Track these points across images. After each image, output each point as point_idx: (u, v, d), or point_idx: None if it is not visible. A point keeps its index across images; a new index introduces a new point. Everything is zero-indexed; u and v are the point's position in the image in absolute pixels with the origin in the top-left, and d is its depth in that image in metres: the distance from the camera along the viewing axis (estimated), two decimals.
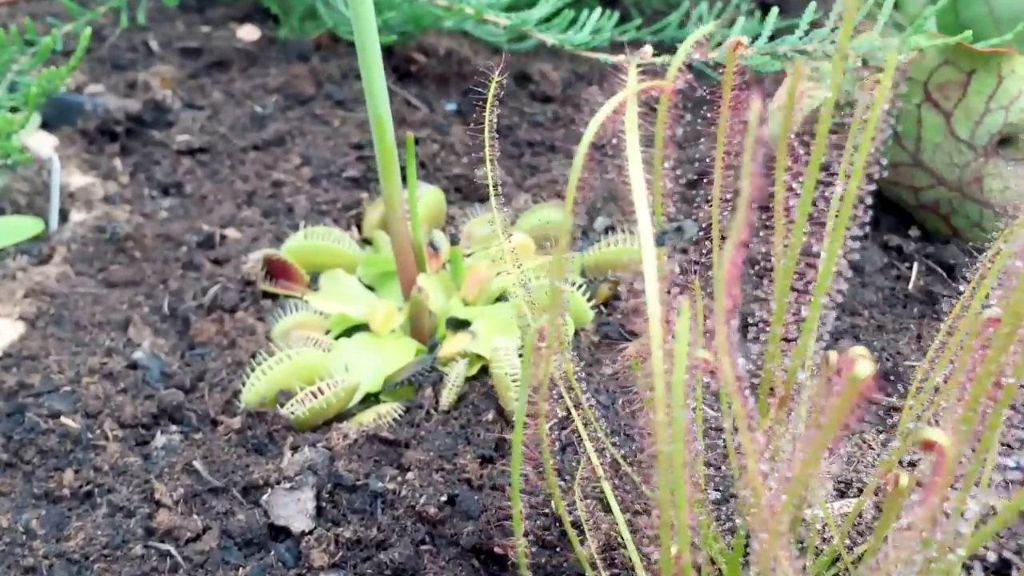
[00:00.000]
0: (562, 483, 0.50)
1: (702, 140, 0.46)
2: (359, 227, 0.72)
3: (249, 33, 0.85)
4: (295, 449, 0.52)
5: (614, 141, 0.81)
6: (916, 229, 0.70)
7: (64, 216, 0.73)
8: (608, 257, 0.65)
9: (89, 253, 0.68)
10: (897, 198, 0.70)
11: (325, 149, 0.76)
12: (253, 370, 0.56)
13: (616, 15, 0.80)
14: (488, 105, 0.49)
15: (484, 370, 0.59)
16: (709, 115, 0.45)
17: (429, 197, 0.70)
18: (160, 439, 0.54)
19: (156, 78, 0.83)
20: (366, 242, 0.71)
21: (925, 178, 0.67)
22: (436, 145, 0.81)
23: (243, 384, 0.56)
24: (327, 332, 0.63)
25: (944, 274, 0.66)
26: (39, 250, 0.69)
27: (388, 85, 0.86)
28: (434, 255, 0.65)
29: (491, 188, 0.53)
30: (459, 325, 0.61)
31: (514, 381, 0.54)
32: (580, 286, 0.63)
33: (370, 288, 0.67)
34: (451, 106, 0.88)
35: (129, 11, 0.81)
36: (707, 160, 0.45)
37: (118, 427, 0.54)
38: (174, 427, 0.55)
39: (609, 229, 0.71)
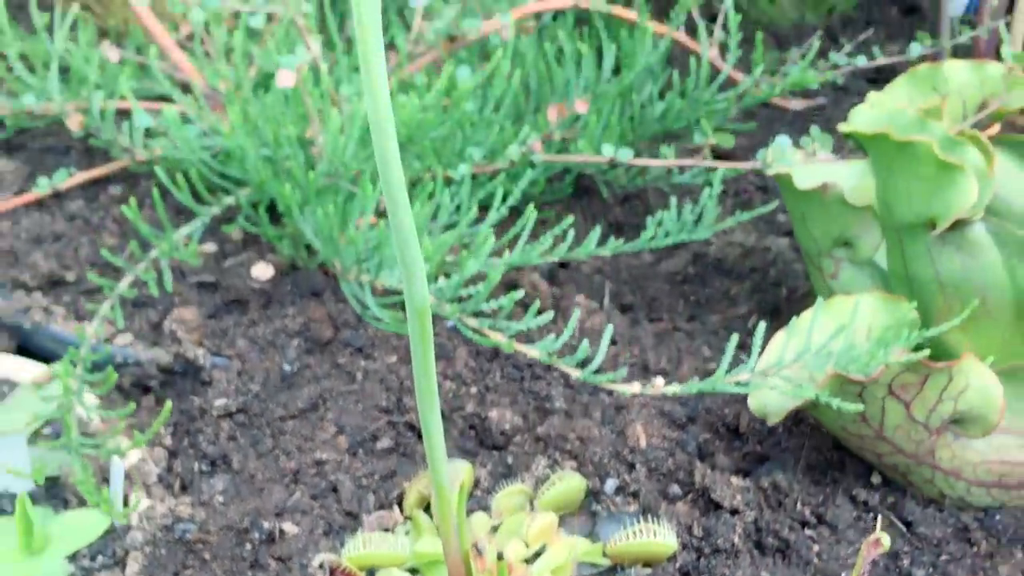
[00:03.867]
0: None
1: None
2: (399, 504, 0.81)
3: (263, 272, 0.92)
4: None
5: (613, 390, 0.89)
6: (878, 476, 0.82)
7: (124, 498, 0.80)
8: (636, 549, 0.75)
9: (162, 557, 0.76)
10: (861, 456, 0.82)
11: (356, 414, 0.84)
12: None
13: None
14: None
15: None
16: None
17: (463, 477, 0.79)
18: None
19: (182, 327, 0.89)
20: (407, 518, 0.80)
21: (887, 447, 0.79)
22: (441, 376, 0.89)
23: None
24: None
25: (904, 529, 0.78)
26: (112, 551, 0.77)
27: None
28: (479, 556, 0.74)
29: None
30: None
31: None
32: None
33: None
34: (450, 322, 0.95)
35: (157, 277, 0.87)
36: None
37: None
38: None
39: (620, 491, 0.81)
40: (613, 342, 0.93)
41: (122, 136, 1.01)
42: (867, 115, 0.85)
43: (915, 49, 1.07)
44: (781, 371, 0.74)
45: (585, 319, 0.94)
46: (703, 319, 0.97)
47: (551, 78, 1.05)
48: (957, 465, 0.78)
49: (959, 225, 0.80)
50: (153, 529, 0.77)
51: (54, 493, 0.80)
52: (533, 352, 0.73)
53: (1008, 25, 1.22)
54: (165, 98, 1.05)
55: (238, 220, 0.94)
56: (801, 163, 0.86)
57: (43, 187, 0.99)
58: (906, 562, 0.75)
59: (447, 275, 0.85)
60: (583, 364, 0.81)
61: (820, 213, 0.87)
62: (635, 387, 0.70)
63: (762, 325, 0.74)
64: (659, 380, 0.70)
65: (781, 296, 0.98)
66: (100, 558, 0.76)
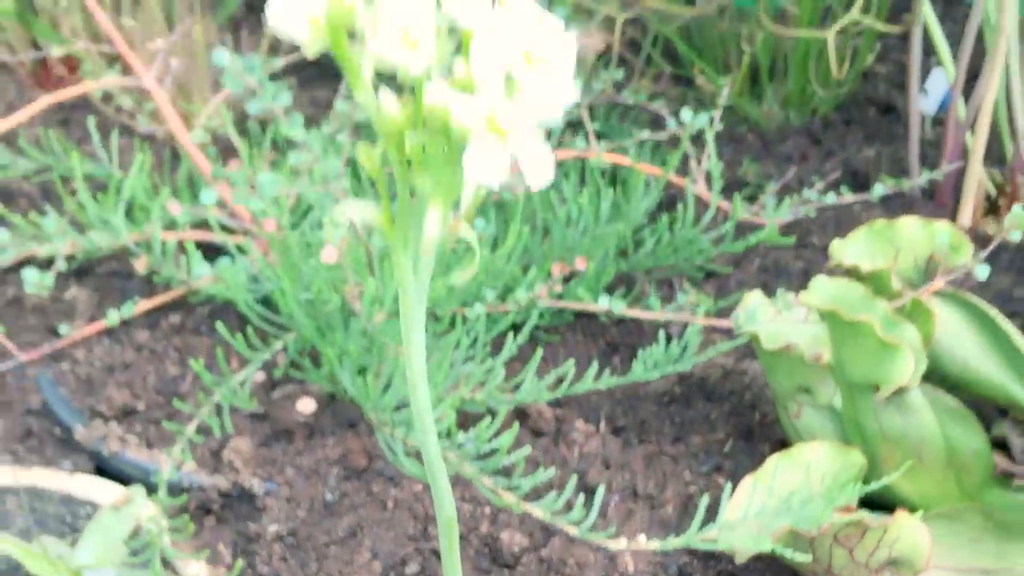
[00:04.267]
0: None
1: None
2: None
3: (307, 406, 1.07)
4: None
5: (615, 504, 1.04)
6: None
7: None
8: None
9: None
10: None
11: (388, 541, 0.99)
12: None
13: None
14: None
15: None
16: None
17: None
18: None
19: (238, 456, 1.04)
20: None
21: None
22: (460, 499, 1.04)
23: None
24: None
25: None
26: None
27: None
28: None
29: None
30: None
31: None
32: None
33: None
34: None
35: (219, 419, 1.02)
36: None
37: None
38: None
39: None
40: (606, 467, 1.07)
41: (180, 271, 1.16)
42: (823, 287, 1.00)
43: (878, 189, 1.21)
44: (746, 524, 0.89)
45: (583, 444, 1.09)
46: (687, 441, 1.11)
47: (555, 216, 1.19)
48: None
49: (899, 391, 0.94)
50: None
51: None
52: (537, 512, 0.88)
53: (973, 128, 1.36)
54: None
55: (285, 365, 1.09)
56: (768, 323, 1.01)
57: (113, 320, 1.14)
58: None
59: (463, 424, 1.00)
60: (587, 491, 0.96)
61: (784, 365, 1.02)
62: (622, 543, 0.85)
63: (728, 487, 0.88)
64: (642, 537, 0.85)
65: (755, 420, 1.13)
66: None
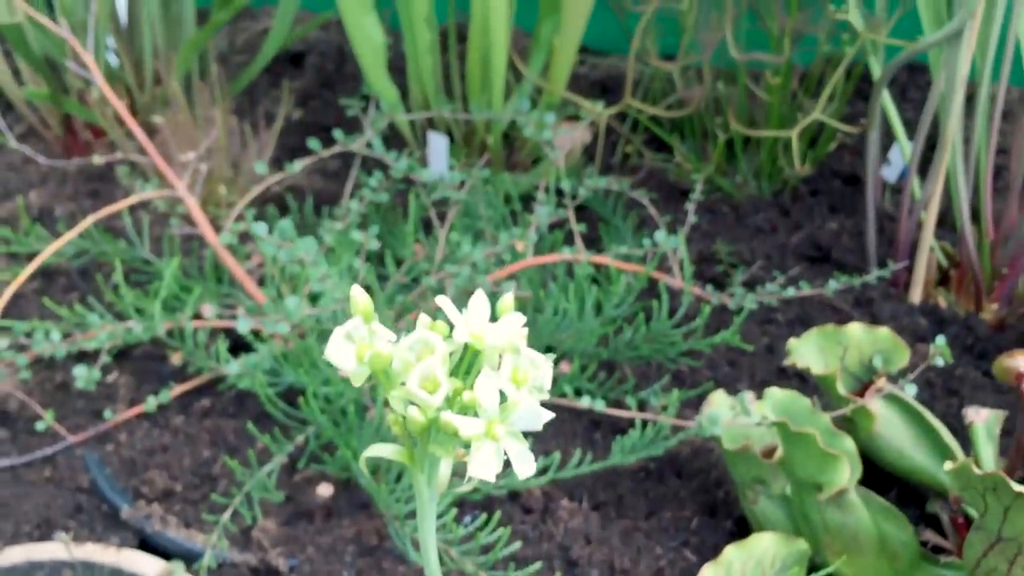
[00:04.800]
0: None
1: None
2: None
3: (325, 491, 1.22)
4: None
5: None
6: None
7: None
8: None
9: None
10: None
11: None
12: None
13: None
14: None
15: None
16: None
17: None
18: None
19: (265, 536, 1.20)
20: None
21: None
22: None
23: None
24: None
25: None
26: None
27: None
28: None
29: None
30: None
31: None
32: None
33: None
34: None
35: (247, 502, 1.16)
36: None
37: None
38: None
39: None
40: (588, 542, 1.23)
41: (211, 360, 1.31)
42: (775, 397, 1.15)
43: (831, 286, 1.36)
44: None
45: (568, 520, 1.25)
46: (659, 516, 1.27)
47: (542, 311, 1.34)
48: None
49: (839, 492, 1.10)
50: None
51: None
52: None
53: (926, 208, 1.49)
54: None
55: (306, 456, 1.24)
56: (728, 425, 1.16)
57: (151, 406, 1.29)
58: None
59: (459, 504, 1.15)
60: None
61: (743, 461, 1.17)
62: None
63: (695, 562, 1.04)
64: None
65: (719, 498, 1.28)
66: None
